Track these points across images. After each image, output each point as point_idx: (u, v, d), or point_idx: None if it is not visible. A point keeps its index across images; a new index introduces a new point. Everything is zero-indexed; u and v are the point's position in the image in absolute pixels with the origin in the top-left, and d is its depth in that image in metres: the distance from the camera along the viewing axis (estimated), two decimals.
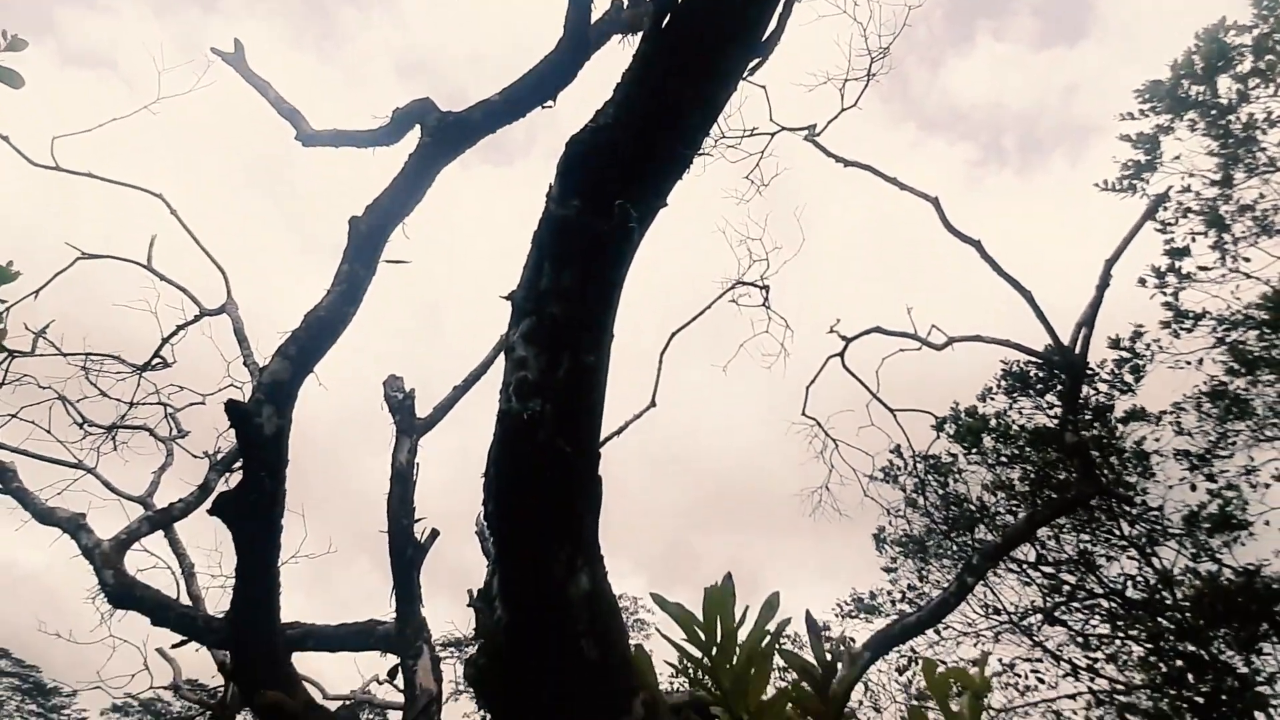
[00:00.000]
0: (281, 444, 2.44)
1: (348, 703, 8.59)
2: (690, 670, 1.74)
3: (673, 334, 8.83)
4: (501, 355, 1.50)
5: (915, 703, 8.79)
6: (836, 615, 10.16)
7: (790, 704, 1.78)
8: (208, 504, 3.04)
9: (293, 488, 2.77)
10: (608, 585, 1.30)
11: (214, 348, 8.07)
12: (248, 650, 2.48)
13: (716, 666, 1.69)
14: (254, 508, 2.38)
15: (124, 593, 3.51)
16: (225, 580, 6.20)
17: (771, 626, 1.72)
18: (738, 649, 1.69)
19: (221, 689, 5.10)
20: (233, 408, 2.42)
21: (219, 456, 6.10)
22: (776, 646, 1.71)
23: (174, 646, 3.67)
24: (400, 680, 3.19)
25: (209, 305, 7.55)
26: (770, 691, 1.75)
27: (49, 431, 6.95)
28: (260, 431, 2.38)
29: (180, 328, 7.98)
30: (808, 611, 1.81)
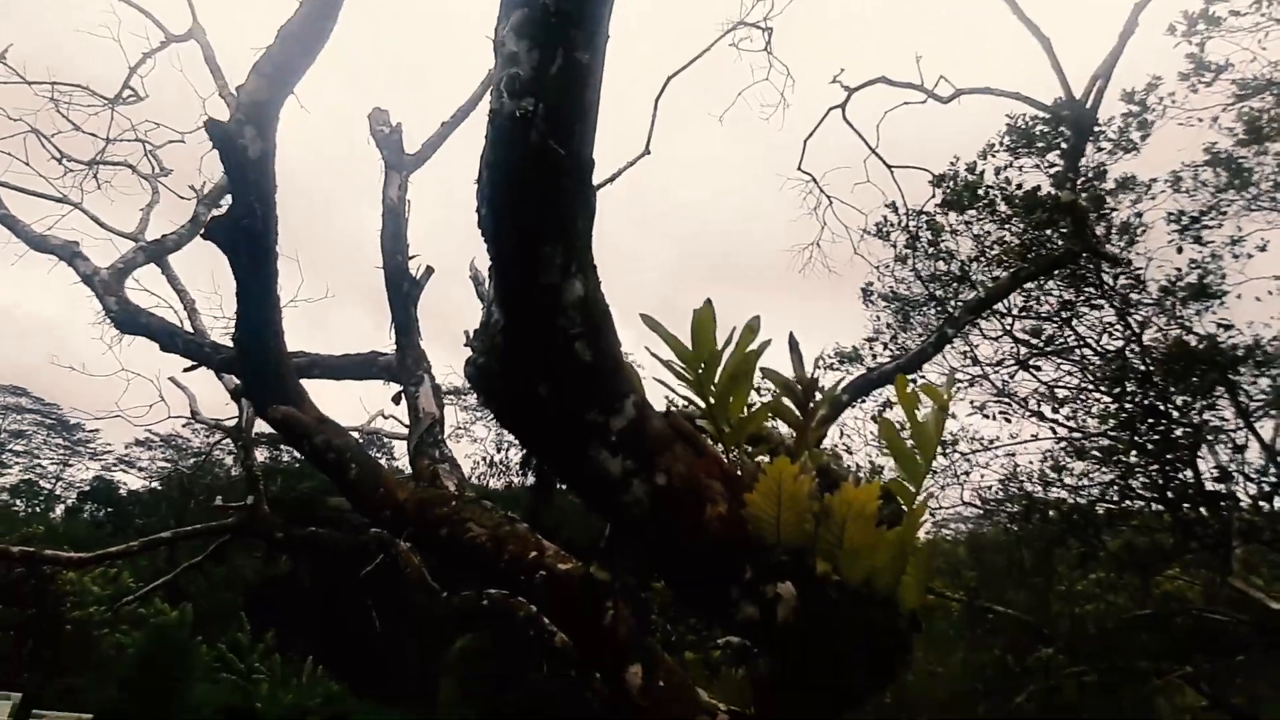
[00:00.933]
0: (267, 167, 2.39)
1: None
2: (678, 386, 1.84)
3: (669, 78, 8.37)
4: (488, 93, 1.43)
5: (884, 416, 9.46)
6: (820, 368, 10.64)
7: (770, 416, 1.92)
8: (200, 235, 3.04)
9: (285, 235, 2.76)
10: (600, 294, 1.33)
11: (187, 81, 7.69)
12: (256, 369, 2.60)
13: (702, 382, 1.79)
14: (247, 232, 2.38)
15: (129, 318, 3.61)
16: (227, 320, 6.39)
17: (753, 347, 1.80)
18: (721, 367, 1.78)
19: (235, 417, 5.45)
20: (214, 128, 2.33)
21: (206, 190, 6.01)
22: (758, 365, 1.80)
23: (185, 370, 3.85)
24: (404, 406, 3.38)
25: (174, 31, 7.10)
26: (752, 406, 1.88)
27: (27, 164, 6.78)
28: (244, 153, 2.32)
29: (147, 56, 7.55)
30: (791, 333, 1.88)
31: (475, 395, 1.43)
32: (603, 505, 1.48)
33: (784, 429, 1.96)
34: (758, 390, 2.10)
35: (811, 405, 1.79)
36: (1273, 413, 8.47)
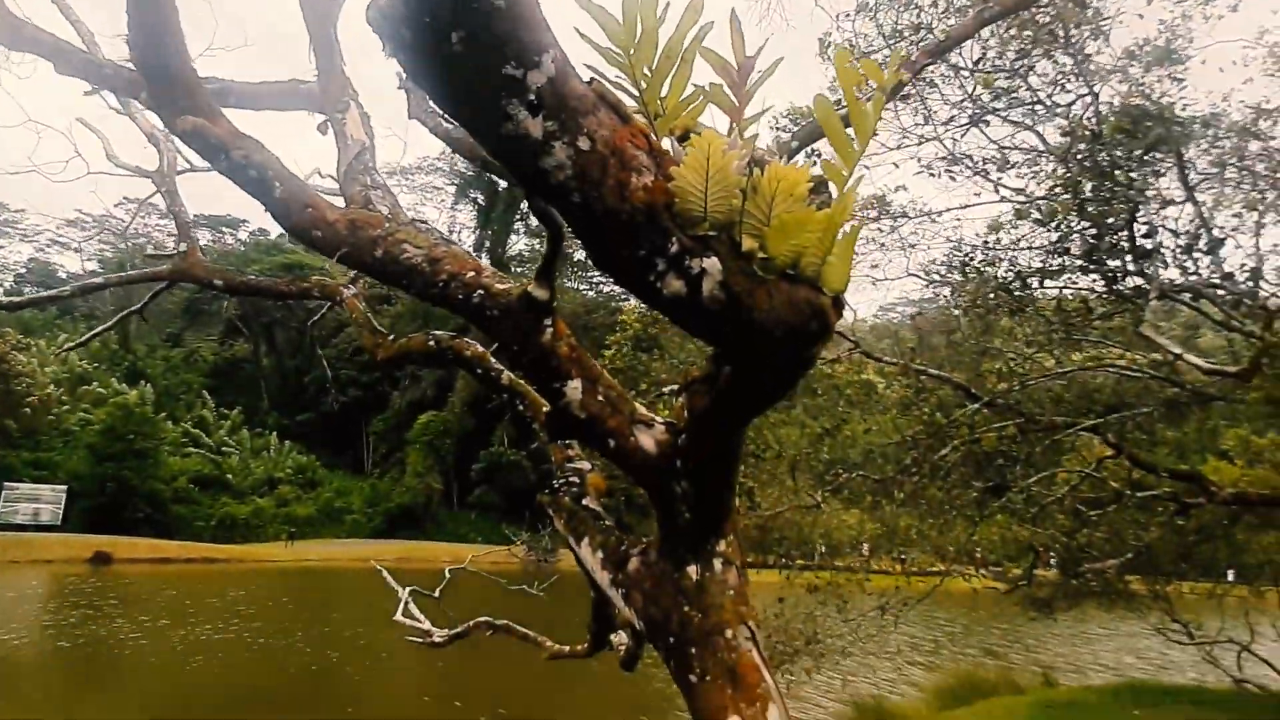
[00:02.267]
0: None
1: None
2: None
3: None
4: None
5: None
6: (771, 129, 10.35)
7: (706, 108, 1.83)
8: None
9: None
10: None
11: None
12: (157, 75, 2.39)
13: (635, 65, 1.68)
14: None
15: (12, 31, 3.23)
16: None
17: (694, 32, 1.68)
18: (658, 50, 1.67)
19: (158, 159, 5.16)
20: None
21: None
22: (699, 48, 1.69)
23: (87, 94, 3.55)
24: (331, 135, 3.20)
25: None
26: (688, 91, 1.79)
27: None
28: None
29: None
30: (733, 10, 1.75)
31: (381, 45, 1.31)
32: (523, 171, 1.43)
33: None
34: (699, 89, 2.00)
35: (747, 89, 1.71)
36: (1214, 187, 8.62)
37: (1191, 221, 7.46)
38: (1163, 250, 7.38)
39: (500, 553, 27.80)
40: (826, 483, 10.04)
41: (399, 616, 6.61)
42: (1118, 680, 17.39)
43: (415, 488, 62.00)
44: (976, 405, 9.69)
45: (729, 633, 2.46)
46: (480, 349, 4.01)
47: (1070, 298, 8.48)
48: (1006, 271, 7.98)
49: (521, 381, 4.08)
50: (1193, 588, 15.57)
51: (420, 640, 6.58)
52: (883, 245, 12.03)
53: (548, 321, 2.55)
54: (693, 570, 2.49)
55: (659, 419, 2.73)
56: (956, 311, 10.93)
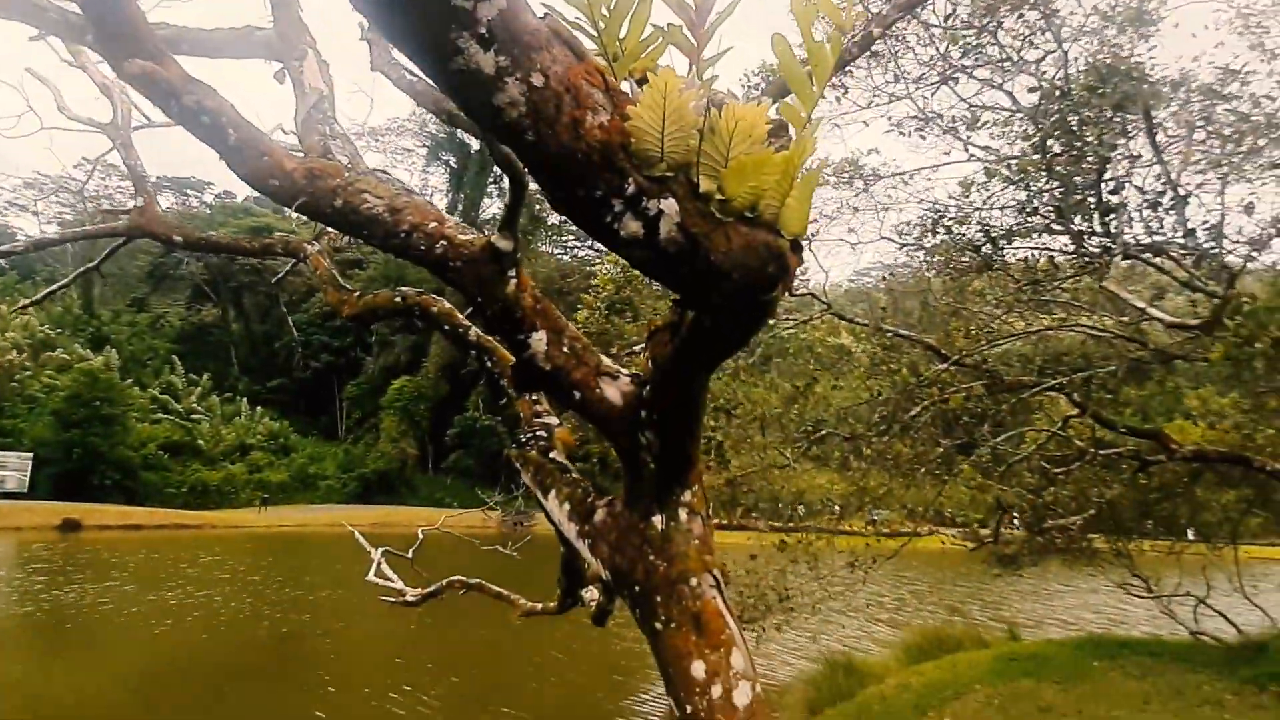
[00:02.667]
0: None
1: None
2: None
3: None
4: None
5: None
6: (742, 86, 10.25)
7: (666, 49, 1.81)
8: None
9: None
10: None
11: None
12: (107, 22, 2.31)
13: (593, 4, 1.65)
14: None
15: None
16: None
17: None
18: None
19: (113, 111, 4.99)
20: None
21: None
22: None
23: (32, 40, 3.42)
24: (289, 83, 3.12)
25: None
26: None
27: None
28: None
29: None
30: None
31: None
32: (476, 109, 1.40)
33: None
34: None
35: (705, 29, 1.69)
36: (1180, 150, 8.70)
37: (1158, 178, 7.54)
38: (1127, 207, 7.47)
39: (476, 517, 27.95)
40: (797, 441, 10.15)
41: (371, 576, 6.64)
42: (1078, 634, 17.95)
43: (390, 453, 61.86)
44: (945, 365, 9.82)
45: (693, 581, 2.49)
46: (448, 306, 3.98)
47: (1038, 258, 8.58)
48: (977, 231, 8.05)
49: (491, 339, 4.07)
50: (1153, 545, 16.05)
51: (393, 600, 6.63)
52: (857, 210, 12.05)
53: (511, 273, 2.53)
54: (658, 520, 2.52)
55: (624, 371, 2.73)
56: (930, 274, 11.01)
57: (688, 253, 1.54)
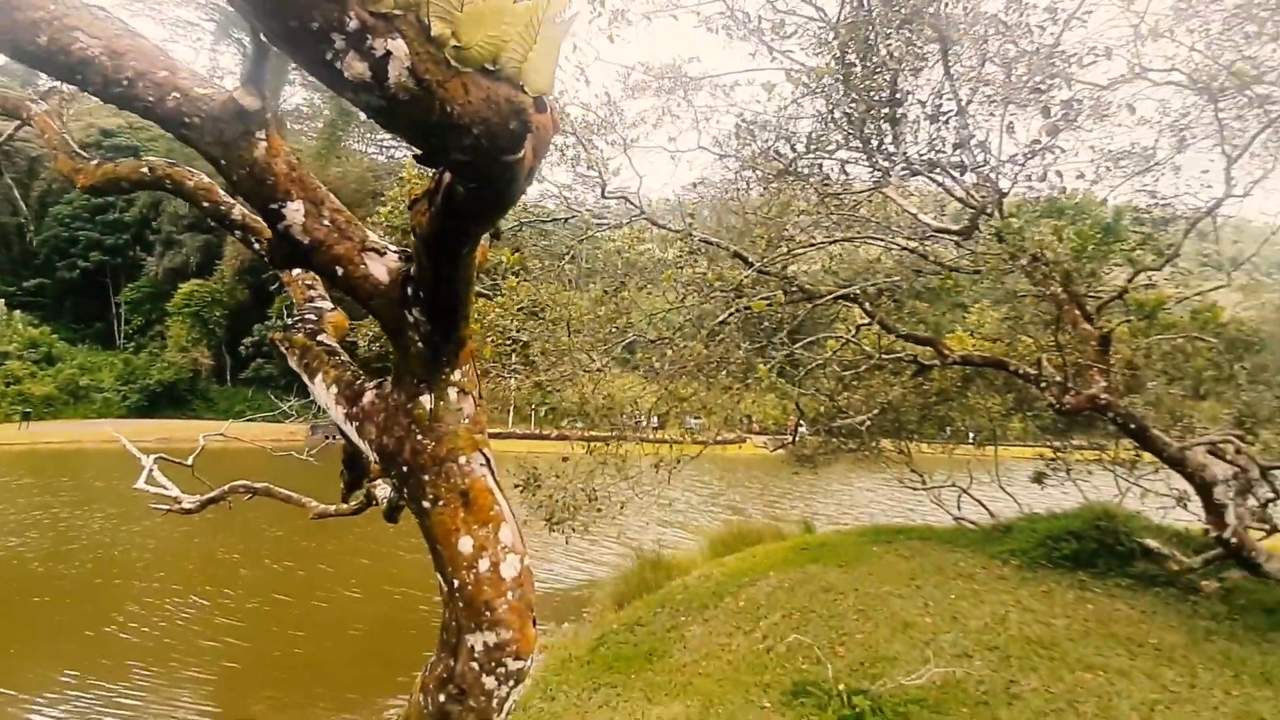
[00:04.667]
0: None
1: None
2: None
3: None
4: None
5: None
6: None
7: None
8: None
9: None
10: None
11: None
12: None
13: None
14: None
15: None
16: None
17: None
18: None
19: None
20: None
21: None
22: None
23: None
24: None
25: None
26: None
27: None
28: None
29: None
30: None
31: None
32: None
33: None
34: None
35: None
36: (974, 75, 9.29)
37: (942, 95, 8.04)
38: (909, 119, 7.98)
39: (282, 430, 26.60)
40: (606, 344, 10.33)
41: (141, 484, 6.14)
42: (863, 524, 19.99)
43: (179, 362, 56.68)
44: (749, 271, 10.27)
45: (463, 459, 2.49)
46: (206, 180, 3.59)
47: (836, 174, 9.08)
48: (779, 139, 8.35)
49: (258, 219, 3.73)
50: (930, 445, 18.16)
51: (167, 508, 6.19)
52: (676, 117, 12.05)
53: (260, 134, 2.31)
54: (426, 400, 2.48)
55: (393, 248, 2.61)
56: (743, 184, 11.31)
57: (422, 102, 1.45)
